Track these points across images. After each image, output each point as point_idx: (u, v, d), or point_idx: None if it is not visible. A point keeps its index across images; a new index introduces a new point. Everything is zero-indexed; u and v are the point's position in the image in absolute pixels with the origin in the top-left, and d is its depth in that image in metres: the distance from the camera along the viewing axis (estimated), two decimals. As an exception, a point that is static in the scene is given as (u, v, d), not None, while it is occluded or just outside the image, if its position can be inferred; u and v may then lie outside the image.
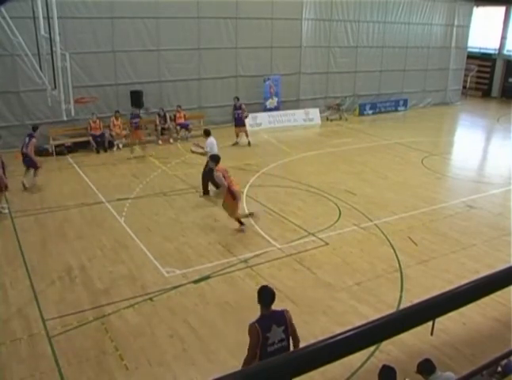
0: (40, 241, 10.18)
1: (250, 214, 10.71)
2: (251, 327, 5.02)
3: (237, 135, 17.80)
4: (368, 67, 23.94)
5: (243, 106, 17.65)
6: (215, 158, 10.72)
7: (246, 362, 5.07)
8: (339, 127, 21.27)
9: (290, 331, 5.15)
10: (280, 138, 19.23)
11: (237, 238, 10.38)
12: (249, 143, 17.74)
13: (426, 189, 13.66)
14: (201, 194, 12.74)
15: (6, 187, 11.80)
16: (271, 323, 5.03)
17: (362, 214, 11.73)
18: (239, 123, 17.62)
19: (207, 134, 12.72)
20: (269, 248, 9.95)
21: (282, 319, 5.12)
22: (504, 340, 6.43)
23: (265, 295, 5.17)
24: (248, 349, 5.04)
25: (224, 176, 10.20)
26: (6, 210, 11.62)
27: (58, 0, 11.83)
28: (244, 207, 11.98)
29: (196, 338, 7.18)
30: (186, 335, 7.25)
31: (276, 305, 7.93)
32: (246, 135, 17.75)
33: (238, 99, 17.83)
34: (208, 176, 12.39)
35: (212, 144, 12.43)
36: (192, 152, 12.97)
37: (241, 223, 10.65)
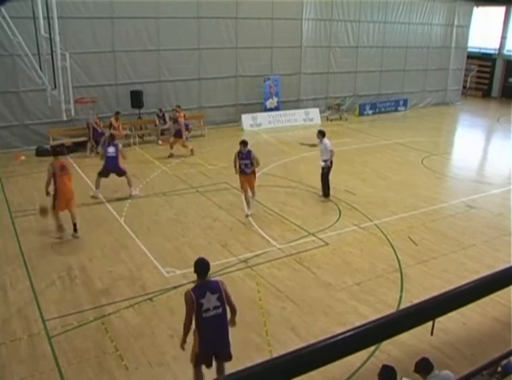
0: (40, 241, 10.18)
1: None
2: (186, 294, 5.43)
3: (171, 147, 16.14)
4: (369, 67, 23.93)
5: (182, 115, 16.58)
6: None
7: (184, 326, 5.49)
8: (339, 127, 21.25)
9: (226, 299, 5.51)
10: (280, 138, 19.23)
11: (237, 238, 10.38)
12: (192, 151, 16.34)
13: (426, 189, 13.66)
14: (322, 196, 12.69)
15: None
16: (205, 290, 5.39)
17: (362, 214, 11.73)
18: (178, 134, 16.15)
19: (323, 134, 12.54)
20: (269, 248, 9.95)
21: (216, 287, 5.46)
22: (504, 340, 6.44)
23: (201, 266, 5.54)
24: (185, 315, 5.44)
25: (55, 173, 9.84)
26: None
27: (58, 0, 11.84)
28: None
29: (196, 338, 7.18)
30: (186, 335, 7.25)
31: (276, 306, 7.97)
32: (184, 146, 16.25)
33: (179, 107, 16.95)
34: (326, 178, 12.52)
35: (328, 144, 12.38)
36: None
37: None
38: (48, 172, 9.92)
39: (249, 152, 11.34)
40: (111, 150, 12.23)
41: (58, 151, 10.30)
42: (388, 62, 24.49)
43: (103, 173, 12.35)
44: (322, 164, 12.41)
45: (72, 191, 10.26)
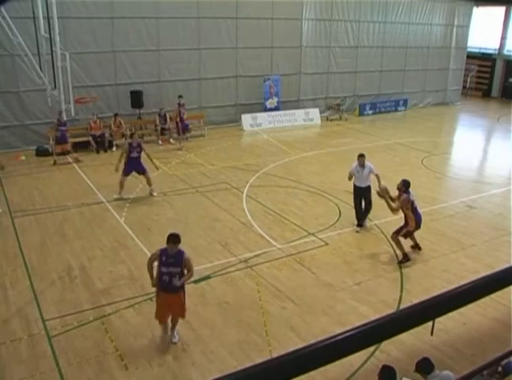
0: (40, 241, 10.18)
1: None
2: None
3: (57, 154, 15.17)
4: (369, 67, 23.92)
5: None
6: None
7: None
8: (339, 127, 21.25)
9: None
10: (280, 138, 19.22)
11: (237, 238, 10.38)
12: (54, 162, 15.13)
13: (426, 189, 13.64)
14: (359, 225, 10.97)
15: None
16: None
17: (362, 214, 11.72)
18: (62, 140, 14.91)
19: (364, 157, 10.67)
20: (269, 248, 9.95)
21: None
22: (504, 340, 6.43)
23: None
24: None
25: None
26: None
27: (58, 0, 11.85)
28: (244, 207, 11.98)
29: (196, 338, 7.18)
30: (186, 335, 7.25)
31: (276, 306, 7.97)
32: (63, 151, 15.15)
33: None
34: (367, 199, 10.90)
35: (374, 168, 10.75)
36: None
37: None
38: None
39: (181, 253, 6.66)
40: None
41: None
42: (388, 62, 24.48)
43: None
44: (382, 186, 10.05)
45: None
